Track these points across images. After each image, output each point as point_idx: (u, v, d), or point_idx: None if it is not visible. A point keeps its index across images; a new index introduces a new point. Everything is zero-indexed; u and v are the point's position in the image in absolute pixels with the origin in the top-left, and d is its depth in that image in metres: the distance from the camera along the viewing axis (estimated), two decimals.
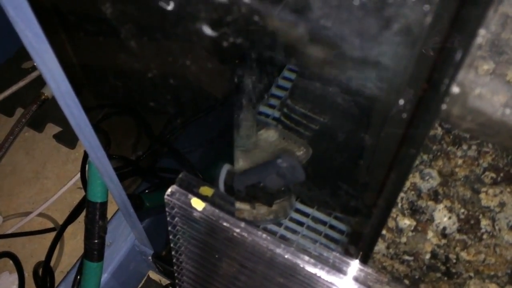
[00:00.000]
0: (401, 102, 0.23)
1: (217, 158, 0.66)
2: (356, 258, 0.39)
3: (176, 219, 0.47)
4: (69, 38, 0.49)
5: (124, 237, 0.80)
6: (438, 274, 0.44)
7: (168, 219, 0.47)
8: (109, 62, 0.58)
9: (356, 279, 0.39)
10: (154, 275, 0.90)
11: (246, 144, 0.54)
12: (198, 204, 0.44)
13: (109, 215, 0.71)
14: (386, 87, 0.28)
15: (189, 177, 0.45)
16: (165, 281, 0.89)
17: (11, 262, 0.89)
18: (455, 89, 0.27)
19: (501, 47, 0.37)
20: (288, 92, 0.61)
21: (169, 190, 0.45)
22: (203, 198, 0.44)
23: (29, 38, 0.40)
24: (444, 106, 0.23)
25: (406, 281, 0.46)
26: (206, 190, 0.45)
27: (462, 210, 0.44)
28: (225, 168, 0.58)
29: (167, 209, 0.46)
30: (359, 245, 0.42)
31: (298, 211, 0.67)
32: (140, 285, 0.89)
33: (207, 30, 0.33)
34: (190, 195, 0.44)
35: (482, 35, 0.34)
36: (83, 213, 0.65)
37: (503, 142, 0.40)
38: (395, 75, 0.25)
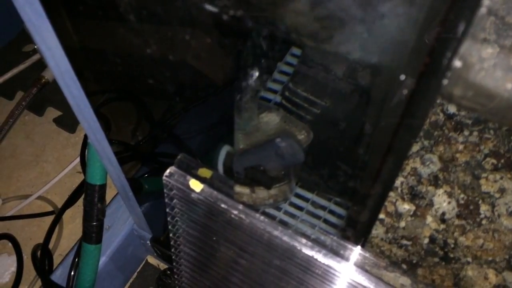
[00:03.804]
0: (402, 77, 0.23)
1: (217, 144, 0.66)
2: (354, 242, 0.39)
3: (175, 200, 0.47)
4: (69, 16, 0.48)
5: (122, 221, 0.80)
6: (436, 259, 0.44)
7: (166, 200, 0.47)
8: (110, 46, 0.57)
9: (353, 262, 0.39)
10: (152, 260, 0.90)
11: (247, 127, 0.54)
12: (196, 185, 0.44)
13: (108, 200, 0.71)
14: (387, 61, 0.27)
15: (188, 158, 0.45)
16: (163, 266, 0.89)
17: (10, 244, 0.89)
18: (457, 64, 0.27)
19: (506, 31, 0.36)
20: (290, 76, 0.61)
21: (168, 171, 0.44)
22: (201, 179, 0.44)
23: (28, 15, 0.40)
24: (445, 82, 0.22)
25: (404, 266, 0.46)
26: (205, 172, 0.45)
27: (462, 196, 0.44)
28: (224, 149, 0.57)
29: (165, 190, 0.46)
30: (357, 228, 0.42)
31: (298, 196, 0.66)
32: (138, 269, 0.89)
33: (208, 6, 0.32)
34: (188, 177, 0.44)
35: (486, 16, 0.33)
36: (82, 197, 0.65)
37: (504, 120, 0.40)
38: (396, 49, 0.25)
